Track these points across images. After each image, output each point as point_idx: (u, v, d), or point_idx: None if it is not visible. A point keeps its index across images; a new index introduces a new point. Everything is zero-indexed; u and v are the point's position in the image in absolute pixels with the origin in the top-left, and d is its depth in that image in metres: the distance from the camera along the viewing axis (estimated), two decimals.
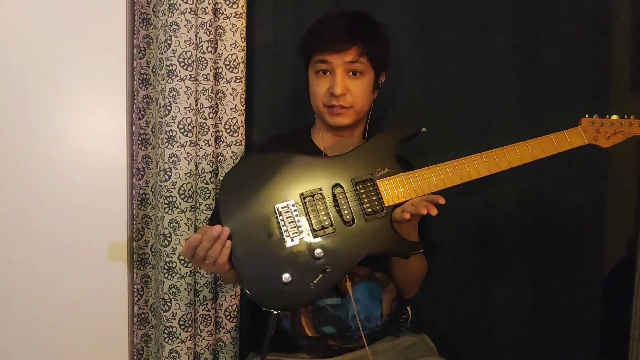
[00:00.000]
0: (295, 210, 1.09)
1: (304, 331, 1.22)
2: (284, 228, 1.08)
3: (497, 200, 1.51)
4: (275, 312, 1.06)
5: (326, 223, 1.09)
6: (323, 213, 1.10)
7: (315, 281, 1.05)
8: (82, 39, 1.35)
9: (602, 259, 1.53)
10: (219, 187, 1.40)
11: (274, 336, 1.24)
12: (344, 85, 1.19)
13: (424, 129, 1.18)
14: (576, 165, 1.49)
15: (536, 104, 1.52)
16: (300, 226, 1.08)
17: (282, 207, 1.09)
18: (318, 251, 1.06)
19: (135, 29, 1.43)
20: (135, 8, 1.42)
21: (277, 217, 1.09)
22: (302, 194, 1.11)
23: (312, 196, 1.11)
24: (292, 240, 1.07)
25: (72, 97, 1.36)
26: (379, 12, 1.43)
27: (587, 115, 1.17)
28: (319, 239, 1.08)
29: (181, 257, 1.35)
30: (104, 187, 1.38)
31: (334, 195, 1.12)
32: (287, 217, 1.09)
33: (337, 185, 1.13)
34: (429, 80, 1.53)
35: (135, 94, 1.44)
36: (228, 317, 1.42)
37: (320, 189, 1.12)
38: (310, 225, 1.09)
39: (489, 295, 1.55)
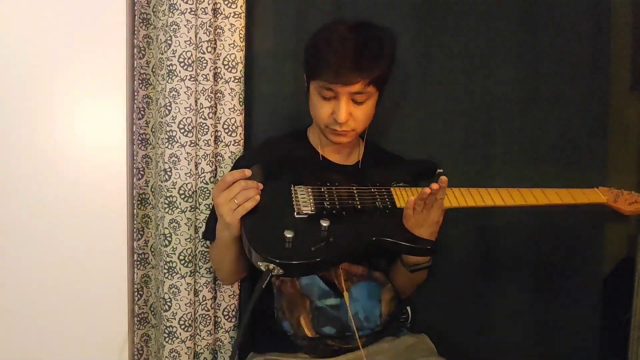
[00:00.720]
0: (310, 193, 1.16)
1: (303, 331, 1.22)
2: (295, 202, 1.14)
3: None
4: (270, 267, 1.03)
5: (337, 207, 1.14)
6: (336, 201, 1.15)
7: (316, 246, 1.06)
8: (82, 39, 1.35)
9: (602, 259, 1.53)
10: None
11: (274, 336, 1.25)
12: (348, 112, 1.19)
13: (440, 170, 1.26)
14: (576, 165, 1.49)
15: (536, 104, 1.52)
16: (311, 203, 1.14)
17: (299, 187, 1.18)
18: (325, 223, 1.08)
19: (135, 29, 1.43)
20: (135, 8, 1.42)
21: (291, 194, 1.16)
22: (319, 183, 1.19)
23: (328, 186, 1.18)
24: (300, 213, 1.12)
25: (71, 97, 1.36)
26: (379, 13, 1.44)
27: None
28: (327, 217, 1.10)
29: (181, 257, 1.35)
30: (104, 187, 1.38)
31: (349, 190, 1.18)
32: (301, 196, 1.15)
33: (354, 185, 1.20)
34: (428, 80, 1.53)
35: (135, 94, 1.44)
36: (226, 317, 1.43)
37: (337, 183, 1.20)
38: (322, 206, 1.13)
39: (489, 295, 1.55)
